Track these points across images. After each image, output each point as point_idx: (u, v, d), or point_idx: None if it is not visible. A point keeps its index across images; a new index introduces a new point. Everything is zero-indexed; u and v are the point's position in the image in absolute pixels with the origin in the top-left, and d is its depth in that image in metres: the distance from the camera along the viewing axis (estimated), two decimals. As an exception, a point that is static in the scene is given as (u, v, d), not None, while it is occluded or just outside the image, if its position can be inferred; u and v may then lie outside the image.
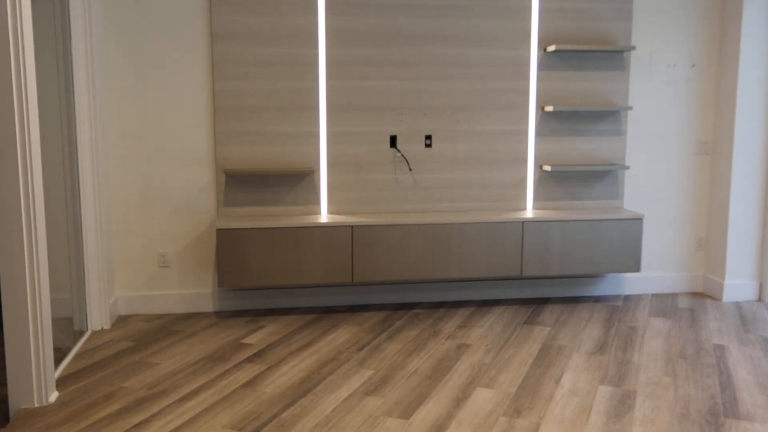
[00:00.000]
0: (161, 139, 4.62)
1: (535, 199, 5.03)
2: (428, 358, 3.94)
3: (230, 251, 4.45)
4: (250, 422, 3.14)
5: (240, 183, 4.70)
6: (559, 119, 4.97)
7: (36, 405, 3.29)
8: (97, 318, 4.42)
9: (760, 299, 5.12)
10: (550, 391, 3.49)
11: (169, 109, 4.59)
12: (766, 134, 4.96)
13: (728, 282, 5.08)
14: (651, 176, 5.16)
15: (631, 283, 5.25)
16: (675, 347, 4.13)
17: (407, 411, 3.26)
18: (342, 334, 4.33)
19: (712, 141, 5.18)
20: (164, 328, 4.45)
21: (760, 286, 5.12)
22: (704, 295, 5.25)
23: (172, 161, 4.64)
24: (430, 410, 3.27)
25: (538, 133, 4.97)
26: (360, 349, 4.08)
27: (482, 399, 3.40)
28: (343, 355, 3.98)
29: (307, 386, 3.55)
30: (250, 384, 3.57)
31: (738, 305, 4.99)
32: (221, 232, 4.43)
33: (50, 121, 3.90)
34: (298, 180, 4.77)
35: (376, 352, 4.03)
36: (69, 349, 4.02)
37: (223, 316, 4.71)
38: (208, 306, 4.80)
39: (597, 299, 5.12)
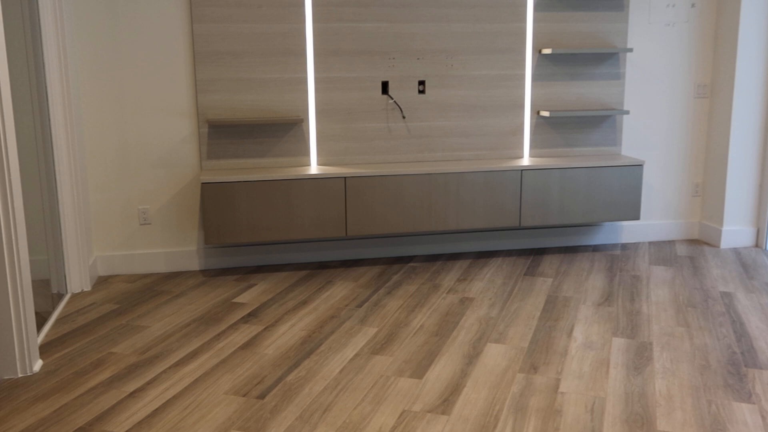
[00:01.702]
0: (137, 89, 4.30)
1: (532, 146, 4.85)
2: (432, 314, 3.77)
3: (216, 206, 4.20)
4: (254, 387, 2.95)
5: (224, 134, 4.42)
6: (557, 62, 4.76)
7: (20, 375, 3.05)
8: (77, 280, 4.16)
9: (757, 245, 5.05)
10: (563, 345, 3.36)
11: (145, 55, 4.27)
12: (766, 77, 4.82)
13: (726, 228, 5.00)
14: (648, 121, 5.01)
15: (628, 231, 5.14)
16: (682, 296, 4.03)
17: (419, 370, 3.10)
18: (338, 291, 4.14)
19: (711, 84, 5.03)
20: (149, 289, 4.21)
21: (758, 232, 5.05)
22: (701, 242, 5.16)
23: (150, 112, 4.34)
24: (442, 368, 3.12)
25: (535, 78, 4.76)
26: (359, 306, 3.89)
27: (495, 355, 3.25)
28: (343, 313, 3.80)
29: (309, 347, 3.36)
30: (248, 346, 3.37)
31: (736, 252, 4.92)
32: (206, 186, 4.17)
33: (17, 72, 3.57)
34: (285, 130, 4.50)
35: (377, 309, 3.85)
36: (49, 314, 3.76)
37: (210, 274, 4.48)
38: (193, 264, 4.56)
39: (595, 248, 5.00)
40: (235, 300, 4.00)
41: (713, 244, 5.09)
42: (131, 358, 3.24)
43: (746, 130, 4.88)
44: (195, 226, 4.52)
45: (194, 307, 3.89)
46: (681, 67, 4.97)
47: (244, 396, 2.87)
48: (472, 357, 3.23)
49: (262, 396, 2.88)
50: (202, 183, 4.16)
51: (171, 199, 4.46)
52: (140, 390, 2.93)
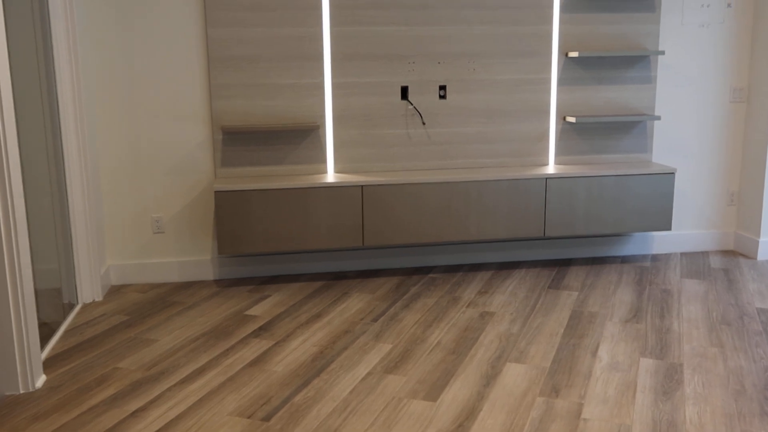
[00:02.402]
0: (150, 94, 4.21)
1: (558, 153, 4.66)
2: (450, 329, 3.62)
3: (230, 215, 4.08)
4: (260, 408, 2.83)
5: (238, 141, 4.32)
6: (584, 66, 4.56)
7: (21, 391, 2.97)
8: (88, 289, 4.08)
9: (796, 257, 4.80)
10: (587, 365, 3.18)
11: (158, 60, 4.18)
12: (808, 79, 4.58)
13: (763, 239, 4.76)
14: (681, 127, 4.79)
15: (658, 242, 4.92)
16: (715, 312, 3.81)
17: (433, 391, 2.95)
18: (354, 303, 4.01)
19: (748, 88, 4.79)
20: (161, 300, 4.12)
21: (797, 243, 4.80)
22: (736, 253, 4.93)
23: (163, 118, 4.25)
24: (458, 390, 2.96)
25: (561, 82, 4.57)
26: (375, 320, 3.75)
27: (514, 375, 3.08)
28: (357, 327, 3.66)
29: (320, 364, 3.23)
30: (257, 362, 3.25)
31: (774, 264, 4.68)
32: (220, 195, 4.06)
33: (27, 77, 3.49)
34: (302, 136, 4.38)
35: (393, 323, 3.70)
36: (58, 324, 3.68)
37: (223, 284, 4.37)
38: (207, 274, 4.46)
39: (623, 260, 4.79)
40: (248, 312, 3.89)
41: (749, 256, 4.84)
42: (136, 374, 3.14)
43: (785, 137, 4.64)
44: (209, 235, 4.42)
45: (205, 320, 3.78)
46: (716, 70, 4.74)
47: (249, 418, 2.75)
48: (490, 378, 3.07)
49: (267, 418, 2.75)
50: (216, 191, 4.05)
51: (185, 207, 4.36)
52: (142, 409, 2.82)
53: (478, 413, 2.76)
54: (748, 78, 4.78)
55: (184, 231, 4.39)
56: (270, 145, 4.35)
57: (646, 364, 3.19)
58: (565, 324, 3.67)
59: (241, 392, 2.96)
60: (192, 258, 4.43)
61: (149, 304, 4.05)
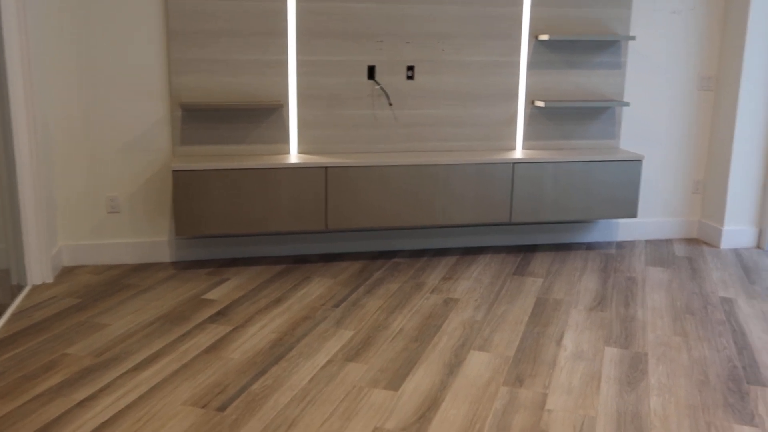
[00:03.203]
0: (105, 68, 4.02)
1: (526, 138, 4.59)
2: (413, 316, 3.54)
3: (188, 195, 3.94)
4: (215, 397, 2.72)
5: (198, 118, 4.16)
6: (554, 50, 4.49)
7: (-39, 378, 2.81)
8: (38, 270, 3.91)
9: (758, 246, 4.82)
10: (552, 354, 3.13)
11: (114, 32, 3.99)
12: (775, 69, 4.57)
13: (727, 228, 4.77)
14: (649, 114, 4.76)
15: (624, 229, 4.90)
16: (679, 301, 3.80)
17: (395, 380, 2.87)
18: (315, 288, 3.90)
19: (717, 77, 4.77)
20: (115, 282, 3.96)
21: (760, 233, 4.81)
22: (700, 242, 4.93)
23: (119, 93, 4.07)
24: (420, 379, 2.88)
25: (531, 65, 4.49)
26: (336, 306, 3.66)
27: (478, 364, 3.02)
28: (318, 313, 3.56)
29: (279, 351, 3.12)
30: (213, 349, 3.13)
31: (737, 253, 4.69)
32: (178, 174, 3.91)
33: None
34: (264, 115, 4.24)
35: (355, 309, 3.61)
36: (5, 307, 3.52)
37: (181, 267, 4.23)
38: (164, 256, 4.31)
39: (589, 246, 4.76)
40: (205, 296, 3.76)
41: (713, 244, 4.85)
42: (86, 361, 3.00)
43: (751, 126, 4.64)
44: (166, 216, 4.27)
45: (160, 304, 3.65)
46: (686, 57, 4.71)
47: (203, 407, 2.64)
48: (453, 366, 3.00)
49: (222, 408, 2.64)
50: (173, 170, 3.90)
51: (141, 186, 4.20)
52: (91, 398, 2.69)
53: (441, 403, 2.69)
54: (717, 67, 4.76)
55: (140, 211, 4.23)
56: (231, 124, 4.20)
57: (611, 353, 3.15)
58: (530, 311, 3.62)
59: (196, 380, 2.84)
60: (148, 239, 4.27)
61: (102, 286, 3.90)
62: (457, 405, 2.68)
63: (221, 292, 3.82)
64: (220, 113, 4.17)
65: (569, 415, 2.62)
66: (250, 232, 4.11)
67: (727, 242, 4.79)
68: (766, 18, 4.47)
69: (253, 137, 4.24)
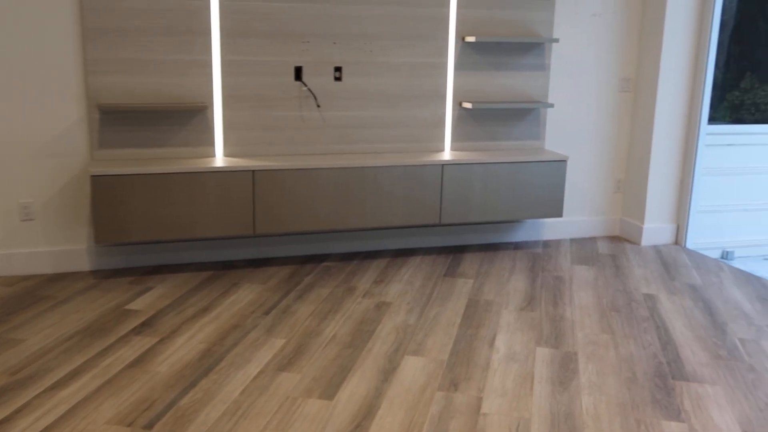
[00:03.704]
0: (15, 68, 3.80)
1: (454, 139, 4.61)
2: (345, 321, 3.49)
3: (108, 201, 3.77)
4: (141, 414, 2.60)
5: (118, 120, 3.99)
6: (480, 51, 4.52)
7: None
8: (-56, 284, 3.66)
9: (677, 243, 5.00)
10: (485, 356, 3.14)
11: (24, 29, 3.77)
12: (691, 72, 4.74)
13: (647, 225, 4.92)
14: (572, 115, 4.86)
15: (549, 228, 4.99)
16: (605, 299, 3.89)
17: (329, 389, 2.82)
18: (244, 295, 3.80)
19: (636, 78, 4.92)
20: (30, 293, 3.75)
21: (677, 229, 4.99)
22: (621, 239, 5.07)
23: (31, 94, 3.85)
24: (355, 387, 2.84)
25: (458, 67, 4.51)
26: (266, 313, 3.57)
27: (412, 369, 3.00)
28: (248, 321, 3.46)
29: (208, 363, 3.02)
30: (138, 362, 3.00)
31: (657, 249, 4.84)
32: (97, 179, 3.73)
33: None
34: (188, 117, 4.10)
35: (286, 316, 3.54)
36: None
37: (101, 276, 4.05)
38: (83, 265, 4.12)
39: (516, 246, 4.82)
40: (128, 307, 3.60)
41: (634, 242, 5.00)
42: (0, 380, 2.82)
43: (669, 126, 4.80)
44: (84, 223, 4.07)
45: (80, 316, 3.47)
46: (606, 59, 4.83)
47: (128, 426, 2.52)
48: (387, 372, 2.97)
49: (150, 425, 2.53)
50: (92, 175, 3.72)
51: (57, 192, 3.99)
52: (7, 420, 2.53)
53: (377, 411, 2.66)
54: (635, 69, 4.91)
55: (56, 218, 4.02)
56: (153, 126, 4.04)
57: (542, 353, 3.19)
58: (462, 313, 3.63)
59: (121, 397, 2.71)
60: (65, 247, 4.07)
61: (16, 299, 3.68)
62: (393, 412, 2.65)
63: (145, 302, 3.67)
64: (141, 115, 4.01)
65: (504, 418, 2.63)
66: (175, 238, 3.97)
67: (647, 239, 4.94)
68: (682, 21, 4.63)
69: (177, 140, 4.10)
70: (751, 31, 5.22)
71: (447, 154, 4.45)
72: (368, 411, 2.66)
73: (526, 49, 4.59)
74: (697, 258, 4.68)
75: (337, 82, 4.31)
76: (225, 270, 4.19)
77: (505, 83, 4.61)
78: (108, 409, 2.63)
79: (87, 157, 4.00)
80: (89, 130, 3.95)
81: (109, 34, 3.87)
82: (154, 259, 4.22)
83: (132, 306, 3.61)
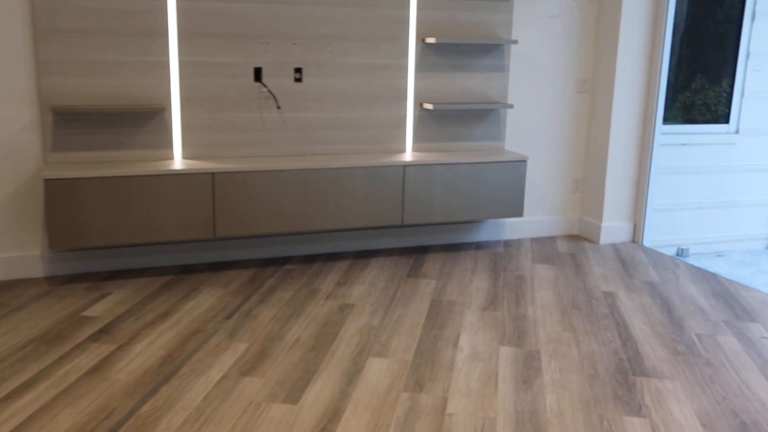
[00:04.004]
0: (-35, 68, 3.69)
1: (415, 140, 4.61)
2: (309, 324, 3.46)
3: (63, 205, 3.68)
4: (100, 423, 2.53)
5: (72, 123, 3.89)
6: (440, 53, 4.54)
7: None
8: None
9: (634, 241, 5.09)
10: (449, 356, 3.15)
11: (-26, 29, 3.66)
12: (646, 73, 4.83)
13: (605, 224, 4.99)
14: (531, 115, 4.90)
15: (510, 228, 5.03)
16: (566, 297, 3.93)
17: (294, 393, 2.79)
18: (205, 299, 3.74)
19: (593, 79, 4.99)
20: (-19, 302, 3.64)
21: (635, 228, 5.08)
22: (581, 238, 5.14)
23: (-19, 95, 3.74)
24: (320, 390, 2.82)
25: (419, 68, 4.52)
26: (228, 317, 3.52)
27: (377, 371, 2.99)
28: (209, 326, 3.41)
29: (168, 369, 2.96)
30: (96, 370, 2.93)
31: (615, 248, 4.92)
32: (50, 183, 3.64)
33: None
34: (145, 119, 4.02)
35: (248, 320, 3.49)
36: None
37: (56, 282, 3.95)
38: (36, 271, 4.01)
39: (478, 246, 4.85)
40: (85, 313, 3.52)
41: (593, 240, 5.07)
42: (-50, 392, 2.72)
43: (625, 127, 4.88)
44: (38, 228, 3.96)
45: (34, 324, 3.38)
46: (564, 60, 4.89)
47: (87, 435, 2.45)
48: (352, 375, 2.95)
49: (109, 434, 2.47)
50: (45, 179, 3.62)
51: (8, 197, 3.87)
52: (-43, 434, 2.44)
53: (342, 414, 2.64)
54: (592, 70, 4.98)
55: (7, 223, 3.90)
56: (109, 129, 3.96)
57: (506, 352, 3.21)
58: (426, 314, 3.63)
59: (78, 406, 2.64)
60: (17, 253, 3.95)
61: (-34, 307, 3.57)
62: (358, 415, 2.64)
63: (102, 308, 3.58)
64: (96, 117, 3.92)
65: (470, 417, 2.64)
66: (133, 243, 3.89)
67: (605, 238, 5.01)
68: (637, 23, 4.72)
69: (134, 142, 4.02)
70: (701, 33, 5.35)
71: (408, 155, 4.45)
72: (333, 414, 2.64)
73: (485, 50, 4.62)
74: (654, 256, 4.76)
75: (298, 84, 4.28)
76: (185, 274, 4.12)
77: (466, 84, 4.63)
78: (65, 419, 2.55)
79: (40, 161, 3.89)
80: (42, 133, 3.85)
81: (63, 35, 3.77)
82: (112, 264, 4.13)
83: (88, 312, 3.53)
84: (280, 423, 2.57)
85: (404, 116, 4.55)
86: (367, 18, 4.33)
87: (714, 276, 4.37)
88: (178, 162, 4.03)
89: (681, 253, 5.52)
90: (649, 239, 5.10)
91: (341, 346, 3.23)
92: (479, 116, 4.71)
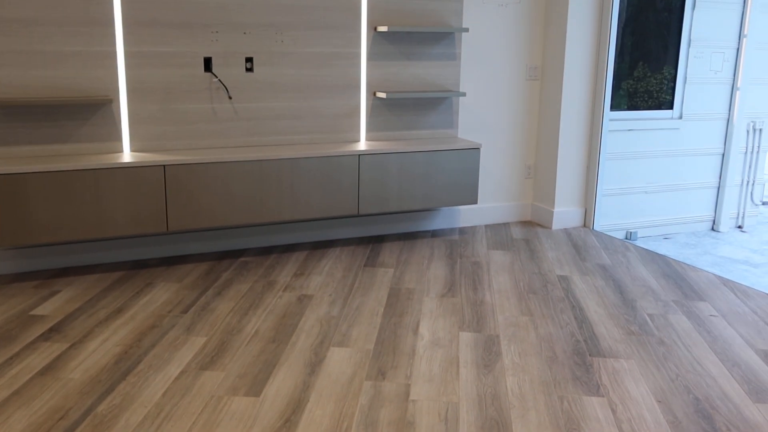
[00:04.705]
0: None
1: (369, 129, 4.60)
2: (267, 316, 3.43)
3: (7, 202, 3.55)
4: (55, 423, 2.46)
5: (15, 116, 3.76)
6: (392, 41, 4.53)
7: None
8: None
9: (585, 225, 5.18)
10: (410, 344, 3.16)
11: None
12: (593, 60, 4.91)
13: (557, 209, 5.07)
14: (483, 103, 4.94)
15: (465, 215, 5.07)
16: (522, 282, 3.98)
17: (255, 385, 2.76)
18: (160, 294, 3.67)
19: (542, 66, 5.05)
20: None
21: (585, 213, 5.17)
22: (534, 224, 5.21)
23: None
24: (282, 382, 2.79)
25: (371, 57, 4.50)
26: (185, 312, 3.46)
27: (339, 361, 2.97)
28: (165, 321, 3.34)
29: (125, 366, 2.89)
30: (49, 370, 2.84)
31: (567, 232, 5.01)
32: (-7, 179, 3.51)
33: None
34: (91, 111, 3.91)
35: (205, 314, 3.44)
36: None
37: (2, 281, 3.81)
38: (-19, 270, 3.87)
39: (434, 234, 4.87)
40: (34, 312, 3.41)
41: (545, 226, 5.15)
42: None
43: (575, 113, 4.96)
44: (-19, 225, 3.82)
45: (-19, 324, 3.26)
46: (514, 48, 4.94)
47: (42, 437, 2.38)
48: (314, 365, 2.93)
49: (66, 434, 2.40)
50: (-12, 175, 3.50)
51: (-51, 193, 3.72)
52: None
53: (305, 405, 2.62)
54: (542, 57, 5.04)
55: (-52, 221, 3.75)
56: (54, 122, 3.84)
57: (466, 338, 3.24)
58: (385, 302, 3.63)
59: (32, 407, 2.56)
60: (-39, 252, 3.81)
61: None
62: (322, 405, 2.62)
63: (52, 306, 3.48)
64: (39, 110, 3.80)
65: (433, 403, 2.65)
66: (82, 239, 3.79)
67: (558, 223, 5.10)
68: (584, 11, 4.79)
69: (80, 135, 3.90)
70: (642, 22, 5.46)
71: (363, 144, 4.44)
72: (297, 405, 2.62)
73: (437, 38, 4.63)
74: (605, 239, 4.86)
75: (249, 73, 4.21)
76: (137, 269, 4.03)
77: (418, 73, 4.64)
78: (19, 420, 2.47)
79: (-19, 156, 3.75)
80: (-17, 127, 3.71)
81: (2, 25, 3.63)
82: (60, 261, 4.02)
83: (38, 311, 3.42)
84: (243, 416, 2.54)
85: (358, 105, 4.53)
86: (318, 6, 4.29)
87: (663, 258, 4.48)
88: (127, 155, 3.94)
89: (629, 236, 5.65)
90: (599, 223, 5.21)
91: (301, 337, 3.21)
92: (432, 104, 4.72)
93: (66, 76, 3.81)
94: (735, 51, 5.71)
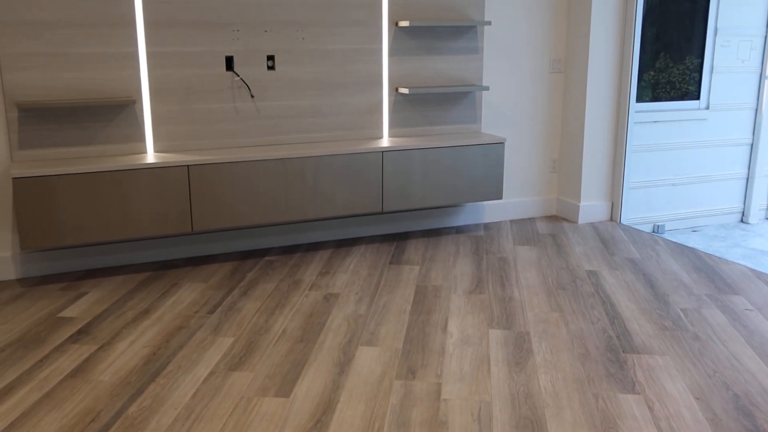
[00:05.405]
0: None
1: (391, 125, 4.56)
2: (294, 315, 3.40)
3: (33, 204, 3.55)
4: (87, 426, 2.45)
5: (39, 119, 3.76)
6: (414, 36, 4.48)
7: None
8: None
9: (612, 219, 5.10)
10: (439, 341, 3.12)
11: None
12: (618, 51, 4.83)
13: (583, 204, 5.00)
14: (506, 97, 4.88)
15: (489, 211, 5.02)
16: (550, 277, 3.93)
17: (285, 386, 2.73)
18: (186, 295, 3.66)
19: (565, 59, 4.98)
20: (-48, 307, 3.52)
21: (612, 206, 5.10)
22: (559, 218, 5.15)
23: (-58, 93, 3.59)
24: (311, 382, 2.76)
25: (392, 52, 4.46)
26: (211, 312, 3.44)
27: (368, 360, 2.94)
28: (193, 321, 3.33)
29: (154, 367, 2.88)
30: (79, 372, 2.84)
31: (594, 227, 4.93)
32: (19, 182, 3.51)
33: None
34: (114, 112, 3.91)
35: (232, 314, 3.42)
36: None
37: (30, 284, 3.83)
38: (8, 273, 3.88)
39: (458, 230, 4.83)
40: (62, 314, 3.41)
41: (571, 220, 5.08)
42: (-75, 402, 2.62)
43: (600, 106, 4.88)
44: (8, 229, 3.84)
45: (9, 327, 3.27)
46: (537, 41, 4.87)
47: (74, 439, 2.37)
48: (343, 364, 2.90)
49: (97, 437, 2.39)
50: (14, 178, 3.50)
51: (-25, 197, 3.74)
52: (-64, 445, 2.34)
53: (336, 405, 2.59)
54: (565, 50, 4.97)
55: (-24, 225, 3.77)
56: (78, 123, 3.84)
57: (495, 335, 3.19)
58: (412, 300, 3.59)
59: (63, 409, 2.56)
60: (-12, 256, 3.83)
61: (-63, 313, 3.44)
62: (353, 405, 2.59)
63: (80, 308, 3.48)
64: (63, 112, 3.80)
65: (465, 402, 2.61)
66: (108, 240, 3.79)
67: (584, 217, 5.02)
68: (609, 1, 4.71)
69: (104, 137, 3.90)
70: (662, 12, 5.37)
71: (386, 141, 4.40)
72: (327, 405, 2.59)
73: (459, 32, 4.57)
74: (633, 233, 4.79)
75: (271, 71, 4.19)
76: (163, 270, 4.02)
77: (440, 67, 4.59)
78: (50, 423, 2.47)
79: (7, 159, 3.76)
80: (8, 131, 3.72)
81: (21, 27, 3.63)
82: (87, 263, 4.02)
83: (66, 313, 3.42)
84: (274, 417, 2.51)
85: (380, 101, 4.49)
86: (338, 3, 4.25)
87: (693, 250, 4.40)
88: (151, 156, 3.93)
89: (657, 229, 5.57)
90: (626, 217, 5.13)
91: (329, 336, 3.18)
92: (455, 99, 4.67)
93: (89, 77, 3.81)
94: (763, 39, 5.60)
